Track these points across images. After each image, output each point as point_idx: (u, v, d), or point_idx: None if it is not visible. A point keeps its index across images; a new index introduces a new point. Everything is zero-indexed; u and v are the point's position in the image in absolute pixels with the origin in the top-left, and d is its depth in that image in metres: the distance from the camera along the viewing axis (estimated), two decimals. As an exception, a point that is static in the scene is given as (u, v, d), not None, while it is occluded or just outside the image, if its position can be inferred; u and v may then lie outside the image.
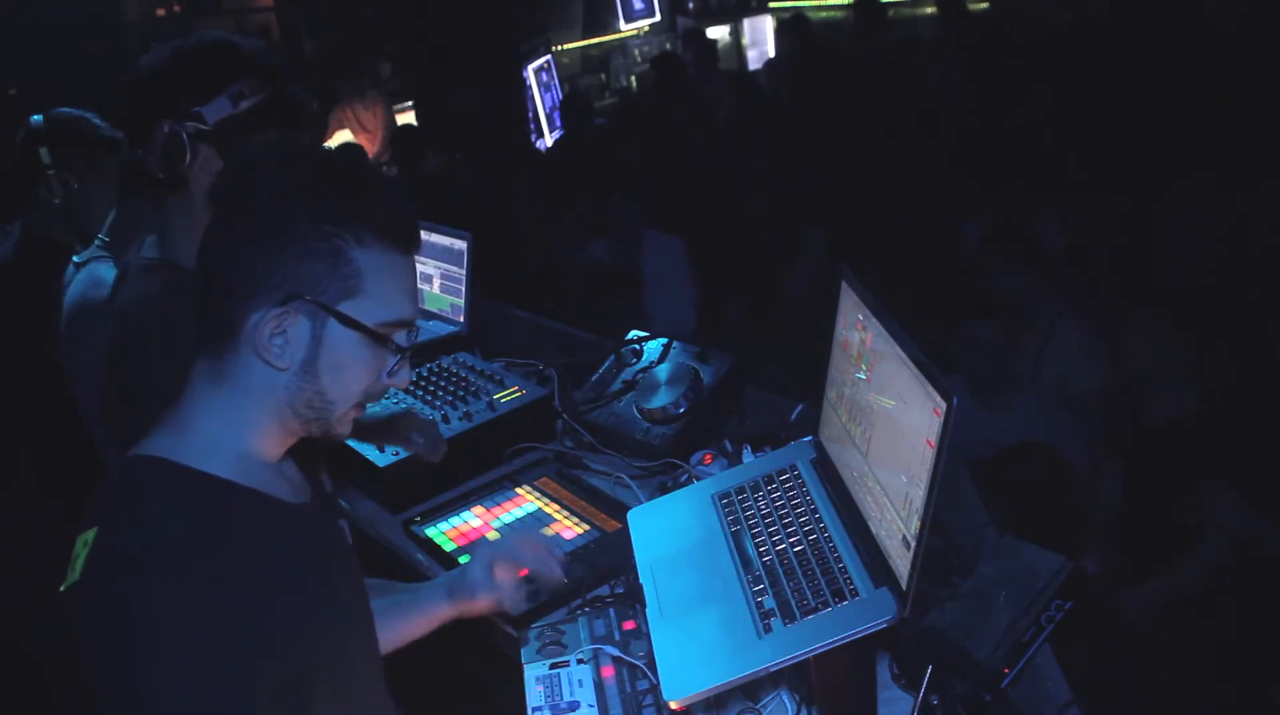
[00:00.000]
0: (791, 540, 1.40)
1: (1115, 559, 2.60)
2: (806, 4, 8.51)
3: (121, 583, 0.91)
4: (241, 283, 0.98)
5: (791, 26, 6.53)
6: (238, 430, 1.02)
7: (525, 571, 1.61)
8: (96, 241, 2.24)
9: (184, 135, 1.41)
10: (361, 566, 1.26)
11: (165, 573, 0.90)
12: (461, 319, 2.55)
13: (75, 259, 2.19)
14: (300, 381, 1.01)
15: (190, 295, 1.44)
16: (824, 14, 8.31)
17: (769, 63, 7.24)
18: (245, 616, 0.92)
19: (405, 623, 1.39)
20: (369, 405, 1.55)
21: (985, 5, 6.93)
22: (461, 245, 2.55)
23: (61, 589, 0.93)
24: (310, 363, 1.01)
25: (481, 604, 1.40)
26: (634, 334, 2.26)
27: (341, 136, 6.85)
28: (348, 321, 1.01)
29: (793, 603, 1.28)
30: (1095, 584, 2.40)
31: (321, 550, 1.10)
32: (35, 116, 2.45)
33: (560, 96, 6.98)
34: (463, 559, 1.75)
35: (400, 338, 1.06)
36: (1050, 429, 2.73)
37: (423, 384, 2.22)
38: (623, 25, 8.54)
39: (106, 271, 2.15)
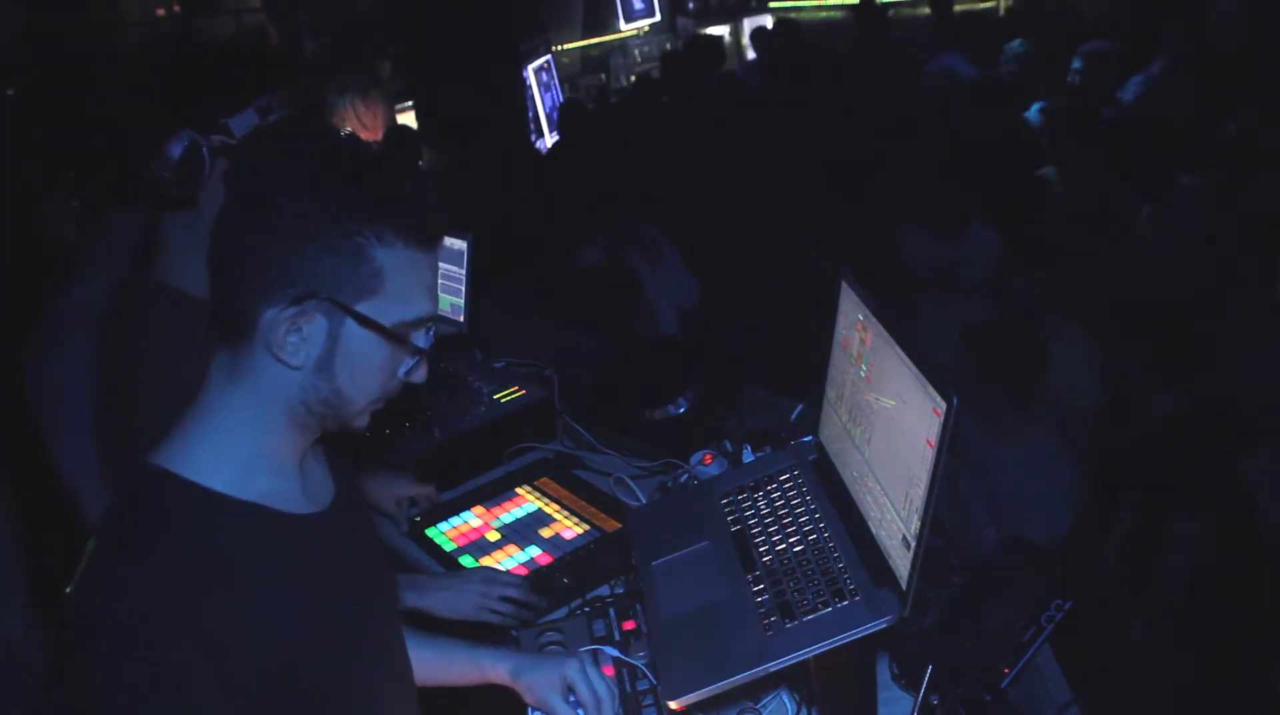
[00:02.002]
0: (791, 540, 1.40)
1: (1111, 583, 2.54)
2: (806, 4, 8.51)
3: (102, 598, 0.90)
4: (256, 278, 0.95)
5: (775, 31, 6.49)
6: (250, 431, 1.00)
7: (524, 571, 1.62)
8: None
9: (204, 150, 1.32)
10: (390, 576, 1.22)
11: (147, 591, 0.89)
12: (461, 319, 2.55)
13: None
14: (315, 380, 0.99)
15: (187, 322, 1.37)
16: (824, 14, 8.31)
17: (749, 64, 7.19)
18: (223, 633, 0.91)
19: (446, 671, 1.36)
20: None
21: (989, 4, 6.95)
22: (461, 245, 2.55)
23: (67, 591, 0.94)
24: (326, 361, 0.98)
25: (529, 699, 1.34)
26: (632, 334, 2.26)
27: (342, 136, 6.85)
28: (366, 322, 0.97)
29: (793, 603, 1.28)
30: (1096, 615, 2.34)
31: (328, 559, 1.06)
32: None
33: (560, 97, 6.98)
34: (463, 559, 1.75)
35: (418, 338, 1.02)
36: (1060, 461, 2.62)
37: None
38: (623, 25, 8.55)
39: (81, 289, 2.06)
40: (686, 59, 6.06)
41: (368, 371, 1.00)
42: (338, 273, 0.95)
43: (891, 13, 6.43)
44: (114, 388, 1.40)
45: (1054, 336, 2.92)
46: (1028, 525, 2.55)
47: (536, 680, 1.32)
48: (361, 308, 0.97)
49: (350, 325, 0.97)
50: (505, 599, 1.57)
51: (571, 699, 1.31)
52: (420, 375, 1.06)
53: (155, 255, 1.43)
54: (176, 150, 1.33)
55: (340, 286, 0.95)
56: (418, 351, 1.03)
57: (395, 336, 0.99)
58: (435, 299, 1.04)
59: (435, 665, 1.35)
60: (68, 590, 0.92)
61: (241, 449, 0.99)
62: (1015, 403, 2.64)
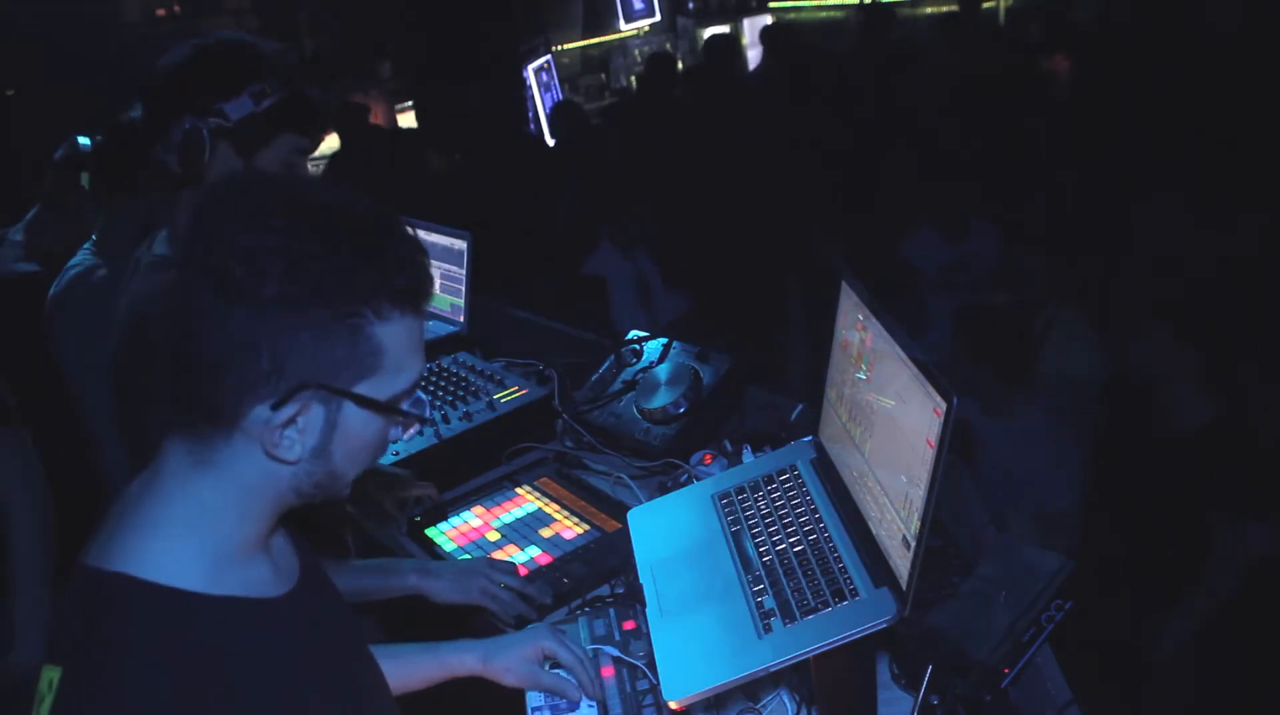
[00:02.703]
0: (791, 540, 1.40)
1: (1125, 595, 2.53)
2: (806, 4, 8.51)
3: None
4: (237, 369, 0.83)
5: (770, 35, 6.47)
6: (219, 523, 0.89)
7: (525, 571, 1.62)
8: (86, 246, 2.24)
9: (204, 131, 1.41)
10: (361, 627, 1.15)
11: (138, 713, 0.81)
12: (461, 319, 2.55)
13: (69, 264, 2.20)
14: (310, 467, 0.90)
15: None
16: (824, 14, 8.32)
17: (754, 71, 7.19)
18: None
19: (409, 677, 1.31)
20: None
21: (991, 4, 6.95)
22: (461, 245, 2.55)
23: None
24: (322, 449, 0.89)
25: (510, 680, 1.32)
26: (634, 334, 2.26)
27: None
28: (365, 402, 0.88)
29: (793, 603, 1.28)
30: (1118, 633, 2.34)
31: (310, 635, 0.98)
32: (83, 139, 2.43)
33: (560, 97, 6.98)
34: (463, 559, 1.75)
35: (410, 404, 0.94)
36: (1050, 437, 2.71)
37: (423, 384, 2.22)
38: (623, 25, 8.54)
39: (97, 268, 2.15)
40: (714, 52, 6.03)
41: (365, 449, 0.93)
42: (336, 359, 0.85)
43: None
44: (125, 360, 1.45)
45: (1054, 319, 2.96)
46: (1019, 498, 2.65)
47: (513, 659, 1.29)
48: (360, 388, 0.88)
49: (348, 407, 0.88)
50: (505, 586, 1.59)
51: (553, 675, 1.30)
52: (410, 434, 0.99)
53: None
54: (178, 134, 1.41)
55: (338, 372, 0.86)
56: (416, 421, 0.95)
57: (394, 410, 0.92)
58: (424, 356, 0.95)
59: (395, 674, 1.25)
60: None
61: (211, 541, 0.89)
62: (1004, 381, 2.75)
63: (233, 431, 0.86)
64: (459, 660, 1.32)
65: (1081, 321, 2.97)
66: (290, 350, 0.83)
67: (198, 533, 0.88)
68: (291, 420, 0.85)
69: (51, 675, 0.83)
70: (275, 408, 0.84)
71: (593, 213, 4.22)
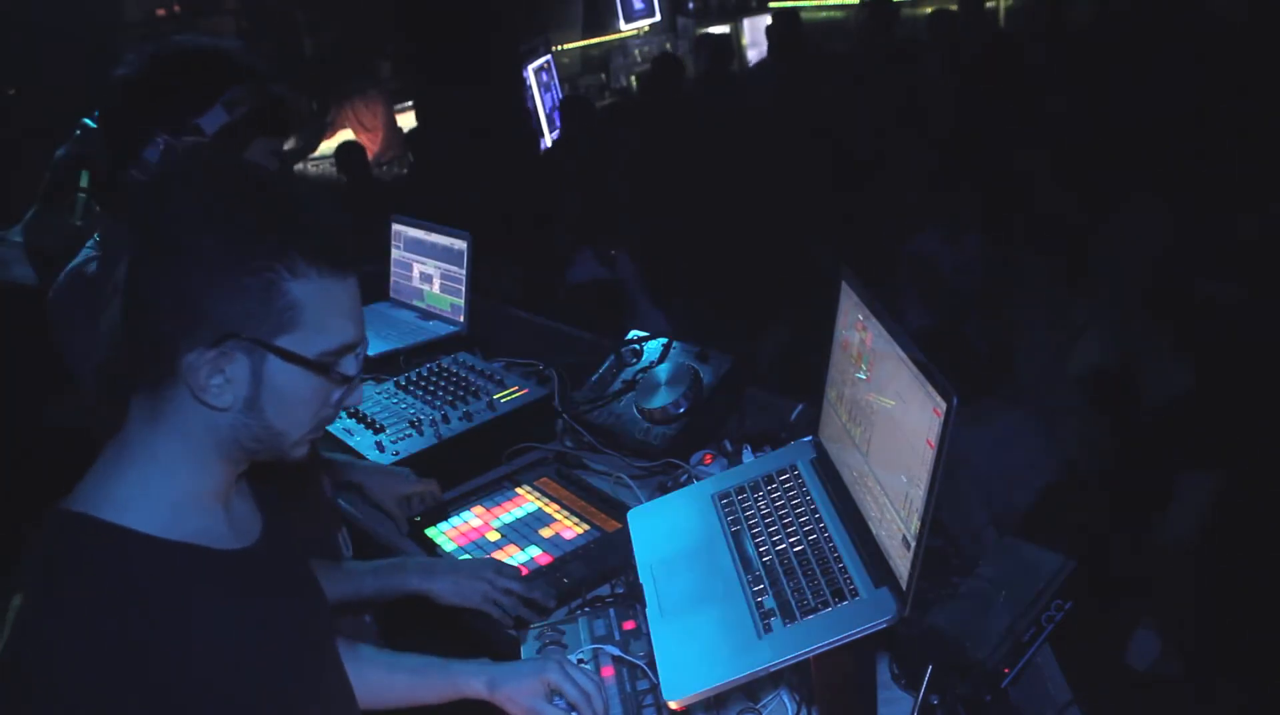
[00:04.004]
0: (791, 540, 1.40)
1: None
2: (807, 4, 8.51)
3: (36, 657, 0.87)
4: (171, 320, 0.93)
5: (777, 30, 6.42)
6: (175, 472, 0.97)
7: (525, 571, 1.61)
8: (89, 244, 2.24)
9: (177, 150, 1.36)
10: (323, 607, 1.19)
11: (80, 646, 0.87)
12: (461, 319, 2.55)
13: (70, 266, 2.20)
14: (245, 418, 0.97)
15: None
16: (824, 14, 8.31)
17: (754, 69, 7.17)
18: (162, 680, 0.89)
19: (419, 691, 1.33)
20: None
21: (991, 4, 6.94)
22: (461, 245, 2.56)
23: None
24: (253, 400, 0.96)
25: (514, 710, 1.30)
26: (634, 334, 2.26)
27: (343, 135, 6.86)
28: (288, 356, 0.95)
29: (793, 603, 1.28)
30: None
31: (261, 593, 1.04)
32: (89, 120, 2.42)
33: (560, 96, 6.98)
34: (463, 559, 1.75)
35: (346, 365, 1.00)
36: (1026, 444, 2.71)
37: (423, 384, 2.22)
38: (623, 25, 8.55)
39: (92, 260, 2.14)
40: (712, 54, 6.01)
41: (297, 405, 0.99)
42: (252, 311, 0.93)
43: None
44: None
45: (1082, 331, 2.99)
46: (997, 498, 2.66)
47: (518, 690, 1.30)
48: (282, 342, 0.95)
49: (273, 361, 0.95)
50: (508, 592, 1.57)
51: (559, 701, 1.29)
52: (355, 399, 1.04)
53: None
54: (153, 155, 1.36)
55: (257, 324, 0.93)
56: (346, 380, 1.01)
57: (320, 367, 0.97)
58: (360, 325, 1.01)
59: (407, 686, 1.31)
60: None
61: (167, 490, 0.97)
62: (972, 396, 2.75)
63: (175, 382, 0.95)
64: (467, 683, 1.32)
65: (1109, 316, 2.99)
66: (210, 302, 0.92)
67: (153, 480, 0.97)
68: (218, 367, 0.93)
69: (15, 602, 0.90)
70: (202, 353, 0.92)
71: (586, 215, 4.22)
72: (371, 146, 6.81)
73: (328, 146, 6.49)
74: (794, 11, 6.87)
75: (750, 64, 8.19)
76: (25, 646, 0.88)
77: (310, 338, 0.96)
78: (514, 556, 1.73)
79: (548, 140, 6.76)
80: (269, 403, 0.97)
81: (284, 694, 1.03)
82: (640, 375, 2.11)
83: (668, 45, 8.31)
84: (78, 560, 0.91)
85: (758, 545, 1.43)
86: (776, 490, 1.53)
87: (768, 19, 8.39)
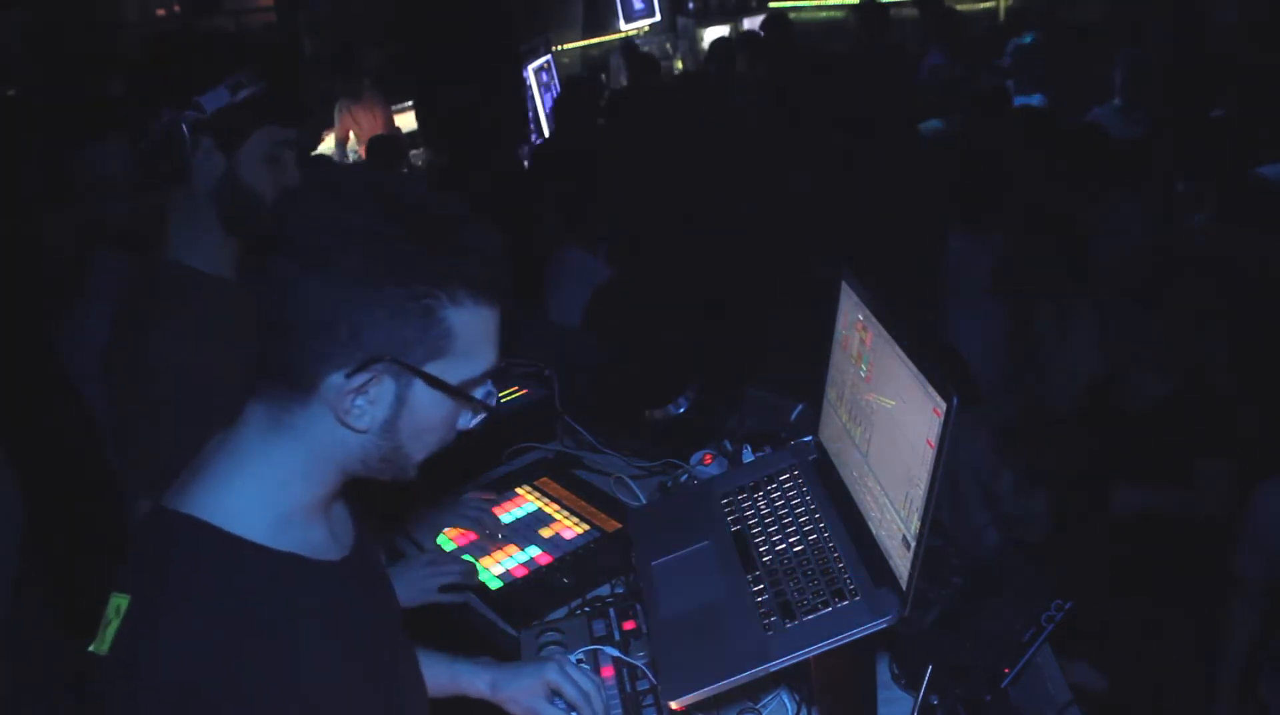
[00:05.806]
0: (791, 540, 1.40)
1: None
2: (805, 4, 8.51)
3: (143, 660, 0.87)
4: (319, 338, 0.90)
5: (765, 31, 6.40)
6: (288, 483, 0.96)
7: (525, 571, 1.60)
8: None
9: (183, 125, 1.38)
10: (399, 607, 1.20)
11: (188, 653, 0.87)
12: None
13: None
14: (378, 441, 0.96)
15: (199, 297, 1.43)
16: (824, 14, 8.31)
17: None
18: (261, 691, 0.89)
19: (432, 684, 1.32)
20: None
21: (991, 4, 6.94)
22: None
23: (90, 649, 0.90)
24: (391, 423, 0.95)
25: (515, 710, 1.32)
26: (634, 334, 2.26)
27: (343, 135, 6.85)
28: (434, 382, 0.94)
29: (793, 603, 1.28)
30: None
31: (355, 604, 1.04)
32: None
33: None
34: (463, 559, 1.75)
35: (484, 392, 1.00)
36: (970, 449, 2.71)
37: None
38: (623, 25, 8.54)
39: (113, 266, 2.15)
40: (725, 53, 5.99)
41: (430, 430, 0.98)
42: (407, 336, 0.91)
43: (890, 13, 6.41)
44: (128, 367, 1.42)
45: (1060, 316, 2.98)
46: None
47: (519, 691, 1.30)
48: (430, 368, 0.93)
49: (418, 386, 0.94)
50: (443, 587, 1.57)
51: (559, 702, 1.29)
52: (477, 422, 1.03)
53: (162, 238, 1.48)
54: (158, 129, 1.39)
55: (409, 349, 0.92)
56: (484, 408, 1.01)
57: (463, 395, 0.97)
58: (498, 350, 1.00)
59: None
60: (92, 648, 0.89)
61: (280, 501, 0.96)
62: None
63: (310, 397, 0.93)
64: (470, 682, 1.33)
65: (1086, 319, 2.98)
66: (366, 324, 0.89)
67: (266, 489, 0.95)
68: (363, 389, 0.91)
69: (120, 602, 0.90)
70: (349, 376, 0.90)
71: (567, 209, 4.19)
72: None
73: (326, 147, 6.49)
74: (782, 13, 6.87)
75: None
76: (135, 648, 0.87)
77: (457, 364, 0.95)
78: (514, 556, 1.73)
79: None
80: (405, 426, 0.96)
81: (372, 701, 1.03)
82: (640, 376, 2.11)
83: (668, 45, 8.30)
84: (190, 566, 0.91)
85: (758, 545, 1.43)
86: (776, 490, 1.53)
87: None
